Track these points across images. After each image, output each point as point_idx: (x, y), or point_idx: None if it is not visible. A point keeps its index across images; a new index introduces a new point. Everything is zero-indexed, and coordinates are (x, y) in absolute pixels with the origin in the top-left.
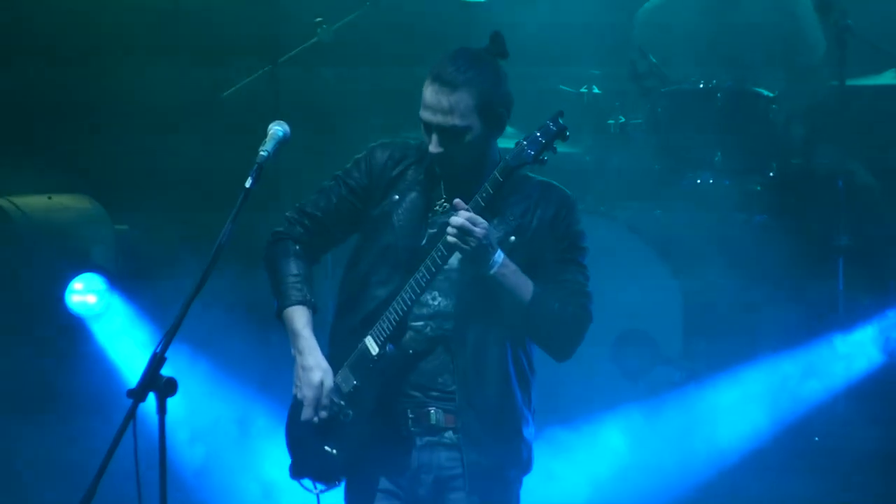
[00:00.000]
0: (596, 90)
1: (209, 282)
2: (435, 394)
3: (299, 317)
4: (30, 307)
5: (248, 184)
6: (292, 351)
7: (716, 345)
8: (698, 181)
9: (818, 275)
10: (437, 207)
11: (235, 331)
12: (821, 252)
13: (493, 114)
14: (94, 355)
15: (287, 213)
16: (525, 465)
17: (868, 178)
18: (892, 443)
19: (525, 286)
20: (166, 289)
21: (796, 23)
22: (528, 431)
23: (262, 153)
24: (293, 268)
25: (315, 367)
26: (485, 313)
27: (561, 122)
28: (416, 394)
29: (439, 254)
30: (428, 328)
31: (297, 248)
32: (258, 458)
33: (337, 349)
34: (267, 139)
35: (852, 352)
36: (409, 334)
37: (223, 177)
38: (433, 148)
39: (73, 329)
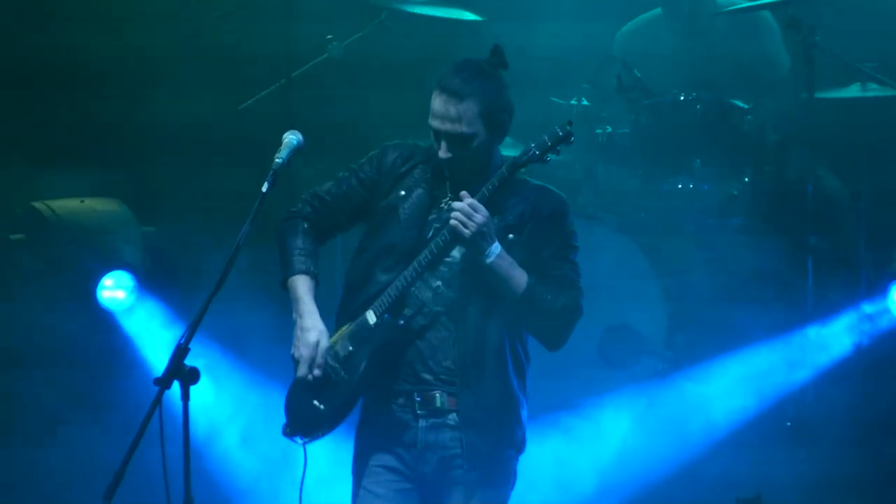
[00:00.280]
0: (585, 102)
1: (229, 280)
2: (437, 378)
3: (301, 284)
4: (64, 301)
5: (264, 188)
6: (294, 315)
7: (696, 337)
8: (679, 186)
9: (790, 272)
10: (443, 205)
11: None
12: (792, 251)
13: (497, 120)
14: (123, 346)
15: (303, 195)
16: (519, 445)
17: (835, 182)
18: (861, 426)
19: (520, 277)
20: (189, 285)
21: (760, 47)
22: (523, 414)
23: (277, 160)
24: (299, 242)
25: (312, 328)
26: (484, 303)
27: (568, 129)
28: (426, 376)
29: (442, 237)
30: (427, 308)
31: (306, 225)
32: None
33: (341, 328)
34: (282, 147)
35: (822, 342)
36: (407, 311)
37: (242, 183)
38: (443, 153)
39: (104, 321)
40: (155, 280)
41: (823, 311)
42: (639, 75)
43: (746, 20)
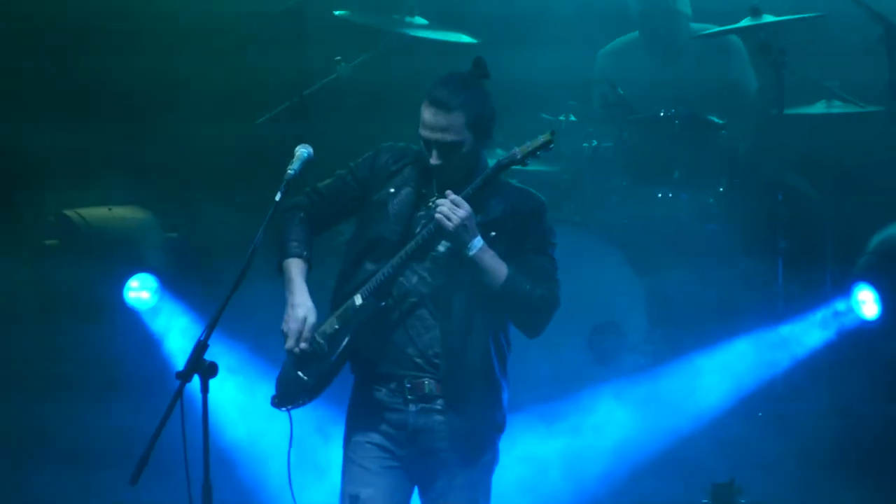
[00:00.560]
0: (572, 118)
1: (246, 281)
2: (429, 362)
3: (294, 267)
4: (93, 302)
5: (277, 197)
6: (286, 294)
7: (675, 334)
8: (659, 195)
9: (761, 273)
10: (430, 202)
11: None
12: (763, 254)
13: (483, 127)
14: (147, 343)
15: (305, 189)
16: (500, 427)
17: (803, 191)
18: (826, 415)
19: (500, 269)
20: (209, 286)
21: (729, 72)
22: (504, 397)
23: (289, 171)
24: (296, 230)
25: (301, 304)
26: (467, 294)
27: (549, 136)
28: (418, 360)
29: (427, 229)
30: (413, 295)
31: (302, 215)
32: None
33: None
34: (294, 159)
35: (790, 338)
36: (394, 294)
37: (257, 193)
38: (434, 160)
39: (130, 321)
40: (177, 282)
41: (793, 309)
42: (622, 93)
43: (717, 44)
